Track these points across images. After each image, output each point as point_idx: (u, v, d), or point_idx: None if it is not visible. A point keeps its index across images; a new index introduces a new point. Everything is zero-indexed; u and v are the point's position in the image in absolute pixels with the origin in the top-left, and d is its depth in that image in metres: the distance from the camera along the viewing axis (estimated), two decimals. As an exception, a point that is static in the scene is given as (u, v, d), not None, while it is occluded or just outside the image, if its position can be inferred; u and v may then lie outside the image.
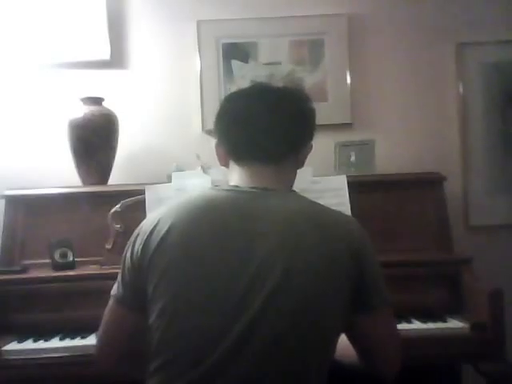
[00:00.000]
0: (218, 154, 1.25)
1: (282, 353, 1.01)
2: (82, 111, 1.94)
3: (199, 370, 0.99)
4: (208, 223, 1.07)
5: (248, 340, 1.00)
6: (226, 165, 1.23)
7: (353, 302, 1.08)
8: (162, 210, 1.13)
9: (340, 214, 1.17)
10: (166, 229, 1.06)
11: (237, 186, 1.14)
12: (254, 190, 1.12)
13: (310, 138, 1.22)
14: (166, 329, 1.04)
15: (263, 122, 1.17)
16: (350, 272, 1.06)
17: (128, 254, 1.12)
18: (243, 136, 1.18)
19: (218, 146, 1.24)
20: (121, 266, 1.14)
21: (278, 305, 1.01)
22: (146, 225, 1.12)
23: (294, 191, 1.20)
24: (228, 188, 1.15)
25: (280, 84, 1.26)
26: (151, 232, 1.08)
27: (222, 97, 2.15)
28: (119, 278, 1.14)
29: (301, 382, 1.04)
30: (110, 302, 1.16)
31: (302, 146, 1.21)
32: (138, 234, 1.12)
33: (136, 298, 1.09)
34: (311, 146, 1.24)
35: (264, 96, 1.20)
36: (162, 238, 1.05)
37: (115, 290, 1.15)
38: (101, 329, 1.17)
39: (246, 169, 1.17)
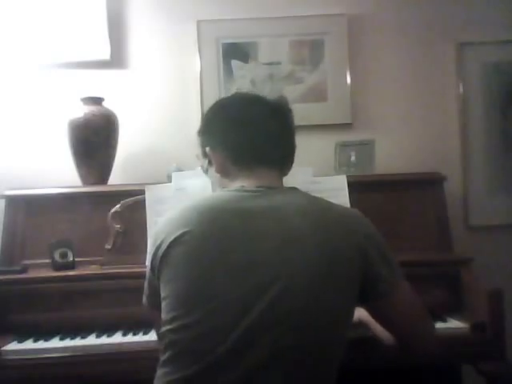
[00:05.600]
0: (215, 161, 1.22)
1: (287, 354, 1.00)
2: (81, 111, 1.94)
3: (199, 367, 1.00)
4: (211, 225, 1.07)
5: (252, 342, 0.99)
6: (223, 171, 1.21)
7: (366, 291, 1.09)
8: (171, 214, 1.14)
9: (343, 209, 1.17)
10: (175, 236, 1.07)
11: (243, 187, 1.15)
12: (259, 188, 1.13)
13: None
14: (172, 328, 1.05)
15: (265, 126, 1.18)
16: (358, 266, 1.07)
17: (147, 263, 1.17)
18: (245, 140, 1.18)
19: (213, 151, 1.22)
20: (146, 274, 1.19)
21: (280, 307, 1.01)
22: (158, 232, 1.13)
23: (296, 188, 1.19)
24: (234, 189, 1.15)
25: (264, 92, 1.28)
26: (162, 241, 1.10)
27: (222, 97, 2.16)
28: (145, 284, 1.21)
29: (310, 381, 1.04)
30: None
31: (293, 153, 1.25)
32: (153, 243, 1.14)
33: (158, 298, 1.12)
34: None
35: (258, 101, 1.22)
36: (171, 244, 1.07)
37: (143, 296, 1.23)
38: None
39: (249, 172, 1.17)
